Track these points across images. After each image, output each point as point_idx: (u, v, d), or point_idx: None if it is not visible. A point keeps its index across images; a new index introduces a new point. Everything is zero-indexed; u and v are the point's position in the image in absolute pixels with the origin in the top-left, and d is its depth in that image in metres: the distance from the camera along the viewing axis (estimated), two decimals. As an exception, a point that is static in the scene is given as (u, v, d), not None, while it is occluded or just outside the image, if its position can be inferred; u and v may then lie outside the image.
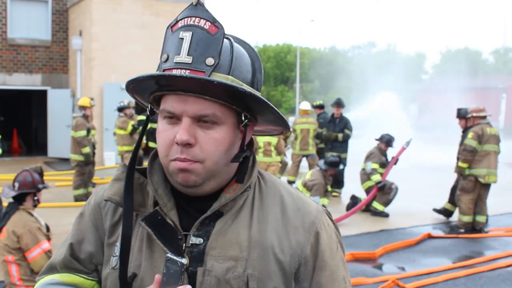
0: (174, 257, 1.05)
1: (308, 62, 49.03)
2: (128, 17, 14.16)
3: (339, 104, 10.09)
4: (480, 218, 7.49)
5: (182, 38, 1.04)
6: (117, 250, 1.16)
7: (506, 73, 44.93)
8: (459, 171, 7.50)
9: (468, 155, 7.30)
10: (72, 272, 1.22)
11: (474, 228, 7.46)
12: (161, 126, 1.10)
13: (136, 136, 9.67)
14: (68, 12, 15.90)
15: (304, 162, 10.44)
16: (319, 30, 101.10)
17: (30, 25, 15.46)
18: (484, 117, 7.54)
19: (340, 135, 9.84)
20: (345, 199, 9.23)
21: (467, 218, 7.42)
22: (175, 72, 1.03)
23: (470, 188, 7.42)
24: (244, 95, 1.05)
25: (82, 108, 9.07)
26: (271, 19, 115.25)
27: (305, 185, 7.62)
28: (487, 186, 7.49)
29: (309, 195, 7.37)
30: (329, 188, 10.08)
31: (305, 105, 10.56)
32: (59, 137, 15.09)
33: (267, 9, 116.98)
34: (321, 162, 7.78)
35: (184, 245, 1.10)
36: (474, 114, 7.59)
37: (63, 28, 15.95)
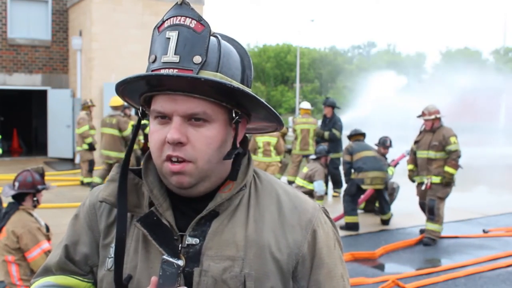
0: (170, 259, 1.04)
1: (308, 62, 49.03)
2: (128, 17, 14.17)
3: (325, 103, 10.24)
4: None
5: (169, 38, 1.04)
6: (112, 251, 1.15)
7: (506, 73, 44.93)
8: (449, 179, 6.76)
9: (458, 162, 6.78)
10: (67, 274, 1.21)
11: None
12: (153, 127, 1.09)
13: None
14: (68, 12, 15.91)
15: (304, 162, 10.44)
16: (319, 30, 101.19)
17: (30, 25, 15.46)
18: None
19: (326, 133, 9.86)
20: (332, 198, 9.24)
21: (441, 227, 6.96)
22: (162, 71, 1.03)
23: (449, 194, 6.94)
24: (234, 92, 1.05)
25: (119, 107, 9.49)
26: (271, 19, 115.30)
27: (305, 177, 7.76)
28: None
29: (312, 186, 7.56)
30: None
31: (306, 105, 10.57)
32: (59, 137, 15.09)
33: (267, 9, 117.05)
34: (311, 156, 8.40)
35: (180, 245, 1.10)
36: (438, 115, 6.92)
37: (63, 28, 15.96)
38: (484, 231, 7.45)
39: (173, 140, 1.04)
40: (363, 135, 8.10)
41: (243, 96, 1.07)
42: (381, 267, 5.94)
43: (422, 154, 6.98)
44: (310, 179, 7.75)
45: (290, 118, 27.15)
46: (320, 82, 50.01)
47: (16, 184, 4.12)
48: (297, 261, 1.12)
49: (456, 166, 6.76)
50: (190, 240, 1.10)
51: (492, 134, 26.48)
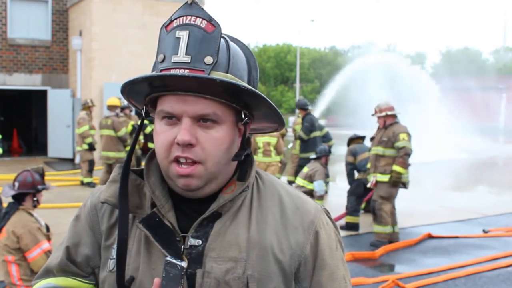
0: (174, 261, 1.03)
1: (308, 62, 49.03)
2: (128, 17, 14.17)
3: (297, 105, 10.27)
4: (397, 229, 6.79)
5: (179, 38, 1.03)
6: (114, 252, 1.14)
7: (506, 73, 44.95)
8: (397, 178, 6.45)
9: (408, 160, 6.44)
10: (69, 275, 1.20)
11: (390, 241, 6.68)
12: (159, 128, 1.08)
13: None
14: (68, 12, 15.91)
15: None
16: (319, 30, 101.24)
17: (30, 25, 15.46)
18: (396, 116, 6.69)
19: (297, 134, 9.93)
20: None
21: (389, 229, 6.64)
22: (173, 72, 1.02)
23: (394, 196, 6.62)
24: (244, 93, 1.05)
25: (113, 107, 9.68)
26: (271, 19, 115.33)
27: (305, 177, 7.76)
28: None
29: (312, 186, 7.55)
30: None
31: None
32: (59, 137, 15.10)
33: (267, 9, 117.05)
34: (312, 155, 8.39)
35: (182, 247, 1.09)
36: (389, 113, 6.62)
37: (63, 28, 15.96)
38: (484, 231, 7.45)
39: (184, 142, 1.03)
40: (362, 138, 8.16)
41: (252, 97, 1.07)
42: (381, 267, 5.94)
43: (373, 150, 6.81)
44: (310, 179, 7.75)
45: (291, 119, 27.11)
46: (320, 82, 49.99)
47: (16, 184, 4.12)
48: (299, 263, 1.12)
49: (404, 165, 6.45)
50: (192, 241, 1.09)
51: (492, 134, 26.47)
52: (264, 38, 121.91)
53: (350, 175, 7.90)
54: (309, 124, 9.75)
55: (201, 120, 1.05)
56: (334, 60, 50.86)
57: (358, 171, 7.70)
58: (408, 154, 6.43)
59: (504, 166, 16.77)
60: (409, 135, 6.48)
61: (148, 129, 9.86)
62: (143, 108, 1.15)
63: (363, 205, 8.41)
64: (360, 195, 7.53)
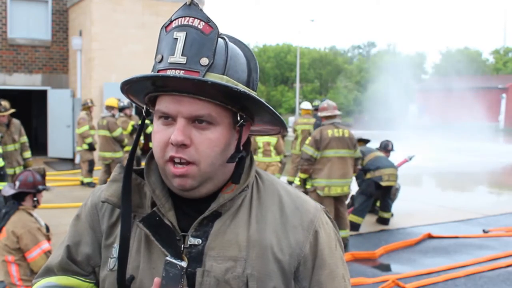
0: (174, 260, 1.04)
1: (308, 62, 49.04)
2: (128, 17, 14.17)
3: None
4: (341, 233, 6.41)
5: (176, 38, 1.04)
6: (114, 251, 1.15)
7: (506, 73, 44.97)
8: (301, 182, 6.52)
9: (305, 164, 6.26)
10: (69, 274, 1.21)
11: None
12: (156, 127, 1.09)
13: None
14: (68, 12, 15.91)
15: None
16: (319, 30, 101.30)
17: (30, 25, 15.46)
18: (331, 117, 6.38)
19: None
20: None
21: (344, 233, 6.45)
22: (169, 72, 1.03)
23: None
24: (239, 95, 1.05)
25: (110, 108, 9.84)
26: (271, 19, 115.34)
27: None
28: (339, 198, 6.39)
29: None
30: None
31: (306, 105, 10.57)
32: (59, 137, 15.10)
33: (267, 9, 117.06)
34: None
35: (182, 246, 1.10)
36: (319, 114, 6.52)
37: (63, 28, 15.96)
38: (484, 231, 7.45)
39: (177, 142, 1.03)
40: (366, 141, 8.13)
41: (248, 100, 1.07)
42: (381, 267, 5.94)
43: None
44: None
45: (291, 118, 27.13)
46: (320, 82, 50.07)
47: (17, 183, 4.12)
48: (299, 262, 1.12)
49: (300, 169, 6.39)
50: (192, 241, 1.10)
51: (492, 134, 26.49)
52: (264, 38, 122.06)
53: (358, 177, 7.78)
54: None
55: (196, 121, 1.06)
56: (334, 60, 50.91)
57: (368, 171, 7.64)
58: (302, 158, 6.32)
59: (504, 166, 16.77)
60: (313, 139, 6.24)
61: (149, 129, 9.90)
62: (143, 107, 1.16)
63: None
64: (370, 195, 7.47)
